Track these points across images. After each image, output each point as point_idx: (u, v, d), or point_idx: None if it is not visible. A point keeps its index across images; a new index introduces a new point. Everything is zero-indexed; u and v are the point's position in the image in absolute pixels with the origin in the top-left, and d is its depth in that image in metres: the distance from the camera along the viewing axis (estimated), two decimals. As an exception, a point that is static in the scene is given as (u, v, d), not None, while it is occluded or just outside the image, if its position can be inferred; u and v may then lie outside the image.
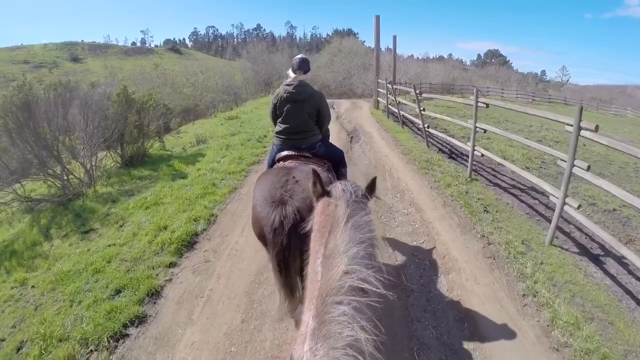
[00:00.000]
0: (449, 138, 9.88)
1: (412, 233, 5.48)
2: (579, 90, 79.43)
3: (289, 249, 2.50)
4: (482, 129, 7.57)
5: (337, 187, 1.67)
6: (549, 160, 9.44)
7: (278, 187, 2.76)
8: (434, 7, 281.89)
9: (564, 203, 4.99)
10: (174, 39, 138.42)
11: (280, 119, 3.72)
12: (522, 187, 7.45)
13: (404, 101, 14.70)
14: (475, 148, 7.81)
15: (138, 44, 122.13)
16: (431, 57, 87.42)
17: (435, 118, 11.80)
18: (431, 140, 11.12)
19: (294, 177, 2.84)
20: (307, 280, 1.41)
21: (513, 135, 6.65)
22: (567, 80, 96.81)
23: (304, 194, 2.62)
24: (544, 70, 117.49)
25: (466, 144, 8.37)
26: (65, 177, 8.69)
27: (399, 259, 4.80)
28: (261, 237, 2.73)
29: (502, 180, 7.86)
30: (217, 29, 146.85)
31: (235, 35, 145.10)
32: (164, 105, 11.35)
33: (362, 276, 1.18)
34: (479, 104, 7.43)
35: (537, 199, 6.88)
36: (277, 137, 3.78)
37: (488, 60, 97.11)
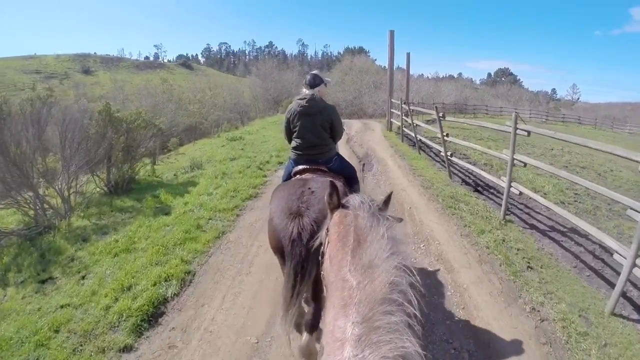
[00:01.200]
0: (478, 170, 8.63)
1: (443, 305, 4.22)
2: (590, 108, 78.94)
3: (307, 260, 2.50)
4: (522, 162, 6.36)
5: (354, 199, 1.65)
6: (582, 192, 8.69)
7: (294, 198, 2.79)
8: (444, 26, 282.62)
9: (634, 264, 3.93)
10: (186, 54, 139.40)
11: (295, 134, 3.76)
12: (561, 228, 6.58)
13: (420, 123, 13.55)
14: (513, 185, 6.61)
15: (151, 59, 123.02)
16: (441, 76, 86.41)
17: (461, 146, 10.56)
18: (453, 170, 9.94)
19: (309, 189, 2.88)
20: (332, 289, 1.35)
21: (565, 173, 5.46)
22: (578, 99, 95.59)
23: (320, 205, 2.64)
24: (555, 89, 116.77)
25: (500, 179, 7.24)
26: (39, 205, 7.64)
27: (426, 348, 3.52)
28: (278, 249, 2.74)
29: (539, 220, 6.91)
30: (230, 46, 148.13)
31: (247, 52, 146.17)
32: (155, 125, 10.20)
33: (404, 289, 1.20)
34: (519, 131, 6.26)
35: (581, 244, 5.98)
36: (293, 151, 3.80)
37: (498, 79, 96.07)
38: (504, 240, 5.73)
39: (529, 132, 6.13)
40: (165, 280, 4.62)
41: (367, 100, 40.26)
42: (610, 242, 4.40)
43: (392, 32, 18.84)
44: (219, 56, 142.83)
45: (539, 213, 7.28)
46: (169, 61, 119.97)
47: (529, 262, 5.13)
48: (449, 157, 9.39)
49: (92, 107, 9.07)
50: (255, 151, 12.81)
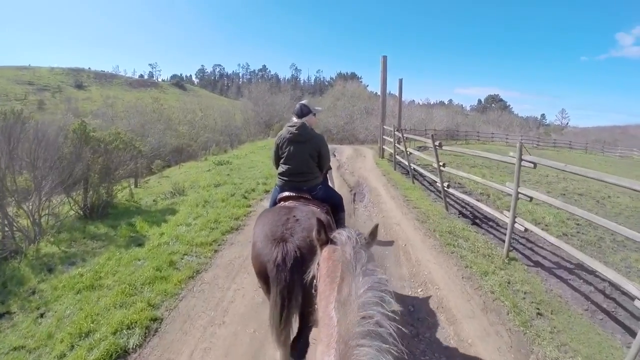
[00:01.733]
0: (476, 203, 8.14)
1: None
2: (580, 132, 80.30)
3: (292, 285, 2.50)
4: (528, 196, 5.93)
5: (341, 234, 1.70)
6: (583, 222, 8.30)
7: (279, 225, 2.83)
8: (433, 54, 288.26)
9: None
10: (180, 74, 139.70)
11: (282, 160, 3.83)
12: (568, 265, 6.28)
13: (413, 151, 13.17)
14: (517, 220, 6.16)
15: (145, 77, 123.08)
16: (432, 102, 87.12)
17: (458, 176, 10.14)
18: (449, 200, 9.52)
19: (294, 216, 2.93)
20: (321, 325, 1.43)
21: (580, 211, 4.95)
22: (567, 123, 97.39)
23: (304, 233, 2.69)
24: (544, 114, 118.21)
25: (503, 213, 6.74)
26: (7, 227, 7.23)
27: None
28: (262, 273, 2.72)
29: (543, 257, 6.58)
30: (224, 68, 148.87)
31: (240, 74, 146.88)
32: (134, 147, 9.66)
33: (378, 320, 1.24)
34: (524, 163, 5.84)
35: (591, 283, 5.69)
36: (279, 178, 3.86)
37: (488, 105, 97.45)
38: (509, 283, 5.29)
39: (535, 164, 5.72)
40: (128, 328, 4.04)
41: (358, 125, 40.26)
42: (630, 287, 3.93)
43: (385, 58, 18.70)
44: (212, 78, 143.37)
45: (543, 248, 6.92)
46: (163, 80, 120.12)
47: (538, 308, 4.70)
48: (445, 188, 8.93)
49: (45, 128, 8.42)
50: (241, 177, 12.28)
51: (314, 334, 2.86)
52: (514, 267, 5.90)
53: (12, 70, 75.57)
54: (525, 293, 5.04)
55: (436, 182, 9.84)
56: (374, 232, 1.78)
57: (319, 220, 1.76)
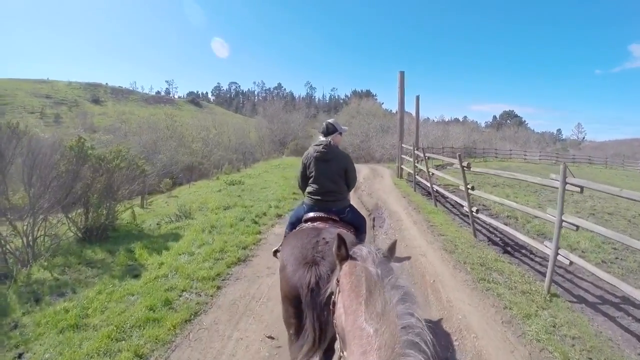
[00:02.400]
0: (511, 231, 7.40)
1: None
2: (598, 147, 79.25)
3: (326, 310, 2.26)
4: (573, 224, 5.27)
5: (361, 250, 1.74)
6: (620, 246, 7.77)
7: (309, 247, 2.79)
8: (447, 71, 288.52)
9: None
10: (197, 92, 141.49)
11: (311, 179, 3.82)
12: (612, 298, 5.71)
13: (435, 171, 12.61)
14: (562, 253, 5.52)
15: (162, 94, 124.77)
16: (447, 119, 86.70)
17: (489, 200, 9.44)
18: (477, 226, 8.80)
19: (324, 239, 2.88)
20: (349, 338, 1.43)
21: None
22: (584, 138, 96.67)
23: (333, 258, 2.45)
24: (560, 129, 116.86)
25: (544, 244, 6.04)
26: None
27: None
28: (293, 298, 2.65)
29: (585, 290, 6.01)
30: (239, 85, 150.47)
31: (256, 92, 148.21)
32: (138, 167, 9.18)
33: (419, 332, 1.29)
34: (569, 187, 5.24)
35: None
36: (309, 197, 3.79)
37: (504, 122, 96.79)
38: (554, 326, 4.65)
39: (582, 188, 5.09)
40: (107, 386, 3.40)
41: (374, 144, 40.27)
42: None
43: (402, 74, 18.31)
44: (228, 95, 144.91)
45: (583, 279, 6.37)
46: (179, 97, 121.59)
47: (590, 357, 4.12)
48: (474, 213, 8.20)
49: (40, 143, 8.01)
50: (253, 199, 11.77)
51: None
52: (557, 305, 5.27)
53: (30, 84, 77.17)
54: (573, 339, 4.43)
55: (462, 205, 9.20)
56: (392, 248, 1.85)
57: (338, 236, 1.77)
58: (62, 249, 7.45)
